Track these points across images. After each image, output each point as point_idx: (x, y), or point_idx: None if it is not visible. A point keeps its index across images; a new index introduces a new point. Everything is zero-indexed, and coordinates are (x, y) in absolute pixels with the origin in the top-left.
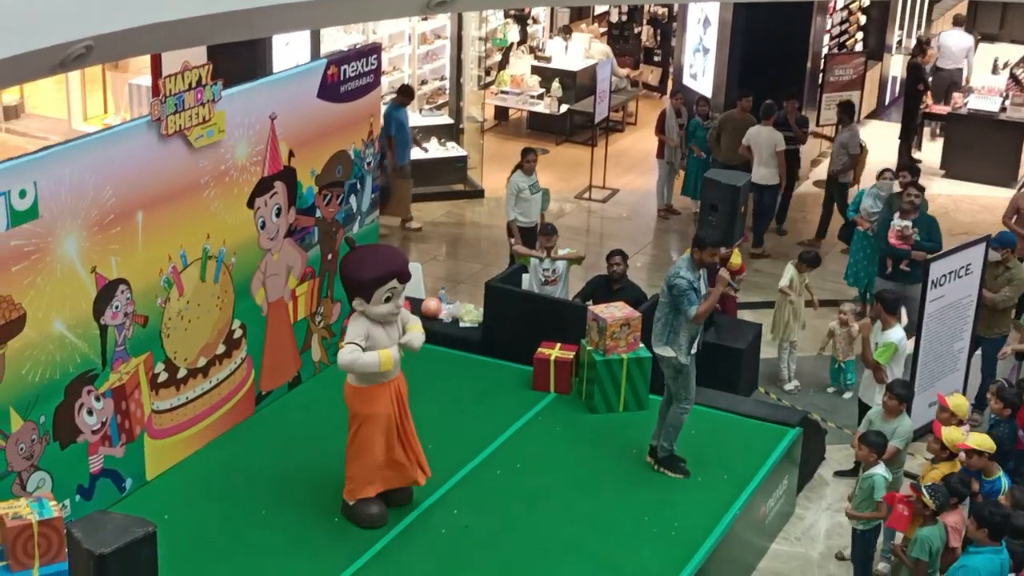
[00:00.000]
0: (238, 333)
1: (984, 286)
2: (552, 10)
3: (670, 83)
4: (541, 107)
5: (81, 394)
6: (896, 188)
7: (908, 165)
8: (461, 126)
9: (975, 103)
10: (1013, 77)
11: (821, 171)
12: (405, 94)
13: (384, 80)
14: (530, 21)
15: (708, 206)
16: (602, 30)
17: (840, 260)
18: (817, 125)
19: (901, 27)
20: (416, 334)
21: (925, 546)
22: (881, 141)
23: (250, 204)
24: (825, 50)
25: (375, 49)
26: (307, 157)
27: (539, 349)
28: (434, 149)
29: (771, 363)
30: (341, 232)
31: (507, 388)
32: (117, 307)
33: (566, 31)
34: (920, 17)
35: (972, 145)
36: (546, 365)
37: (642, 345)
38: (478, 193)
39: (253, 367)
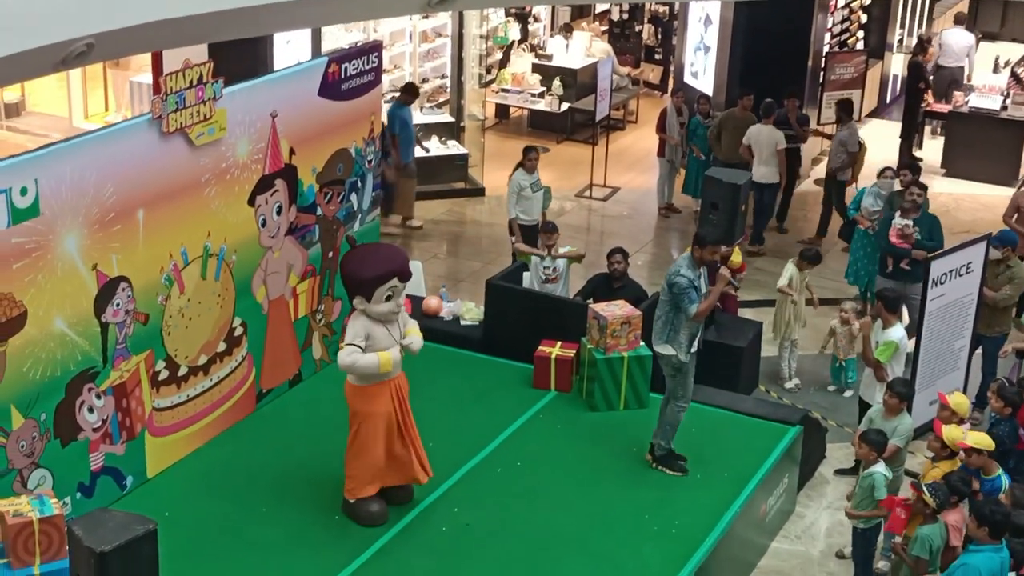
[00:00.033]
0: (239, 331)
1: (985, 284)
2: (553, 8)
3: (671, 81)
4: (542, 105)
5: (82, 392)
6: (897, 186)
7: (909, 163)
8: (462, 124)
9: (976, 101)
10: (1014, 75)
11: (822, 169)
12: (409, 92)
13: (385, 78)
14: (531, 19)
15: (709, 204)
16: (603, 28)
17: (840, 259)
18: (818, 123)
19: (902, 26)
20: (416, 339)
21: (926, 544)
22: (882, 140)
23: (251, 202)
24: (826, 48)
25: (376, 47)
26: (308, 155)
27: (540, 347)
28: (435, 147)
29: (771, 361)
30: (342, 230)
31: (508, 386)
32: (118, 305)
33: (567, 29)
34: (921, 16)
35: (973, 143)
36: (547, 363)
37: (643, 343)
38: (479, 191)
39: (254, 365)
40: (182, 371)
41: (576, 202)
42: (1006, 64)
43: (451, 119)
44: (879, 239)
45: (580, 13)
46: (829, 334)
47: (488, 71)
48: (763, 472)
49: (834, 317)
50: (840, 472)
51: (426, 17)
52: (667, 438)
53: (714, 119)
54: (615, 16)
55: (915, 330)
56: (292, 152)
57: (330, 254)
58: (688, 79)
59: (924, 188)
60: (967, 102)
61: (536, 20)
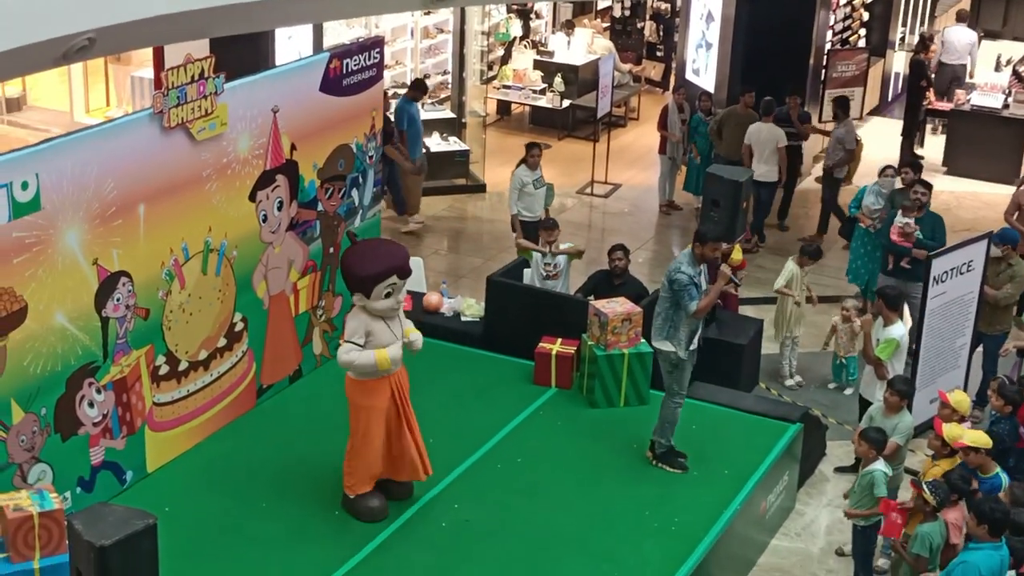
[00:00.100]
0: (239, 326)
1: (986, 283)
2: (555, 5)
3: (672, 78)
4: (543, 102)
5: (82, 386)
6: (898, 184)
7: (910, 161)
8: (463, 120)
9: (978, 100)
10: (1016, 74)
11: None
12: (418, 88)
13: (386, 74)
14: (533, 16)
15: (710, 201)
16: (605, 25)
17: (841, 257)
18: (819, 121)
19: (904, 23)
20: (417, 337)
21: (926, 542)
22: (883, 137)
23: (252, 197)
24: (828, 46)
25: (378, 43)
26: (309, 150)
27: (540, 344)
28: (436, 143)
29: (772, 359)
30: (343, 226)
31: (508, 382)
32: (118, 299)
33: (569, 26)
34: (923, 13)
35: (974, 142)
36: (547, 360)
37: (643, 340)
38: (480, 188)
39: (254, 360)
40: (182, 366)
41: (577, 199)
42: (1008, 62)
43: (452, 115)
44: (881, 237)
45: (582, 10)
46: (831, 331)
47: (490, 67)
48: (763, 469)
49: (835, 314)
50: (840, 470)
51: (428, 13)
52: (666, 435)
53: (716, 116)
54: (617, 13)
55: (916, 328)
56: (293, 148)
57: (331, 250)
58: (690, 76)
59: (929, 187)
60: (969, 100)
61: (538, 17)
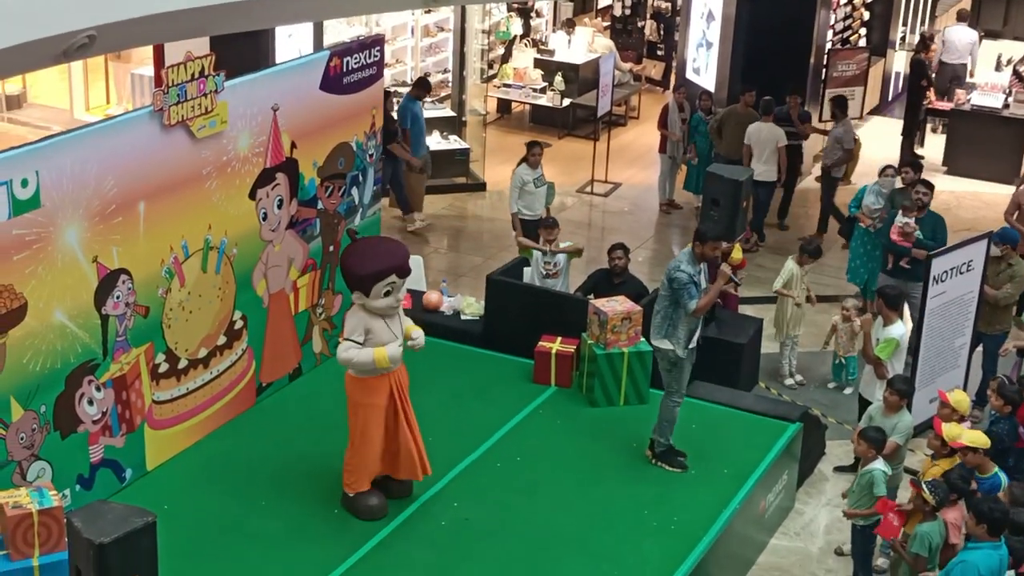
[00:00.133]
0: (239, 324)
1: (986, 282)
2: (555, 4)
3: (673, 77)
4: (544, 100)
5: (82, 384)
6: (898, 184)
7: (910, 161)
8: (463, 119)
9: (978, 99)
10: (1016, 74)
11: None
12: (421, 87)
13: (387, 73)
14: (533, 14)
15: (710, 201)
16: (605, 24)
17: (840, 256)
18: (820, 120)
19: (904, 23)
20: (418, 336)
21: (925, 542)
22: (883, 137)
23: (252, 195)
24: (828, 45)
25: (378, 41)
26: (309, 149)
27: (540, 342)
28: (436, 142)
29: (772, 358)
30: (343, 224)
31: (508, 381)
32: (118, 297)
33: (569, 25)
34: (923, 13)
35: (975, 141)
36: (547, 358)
37: (643, 339)
38: (480, 186)
39: (254, 358)
40: (182, 364)
41: (577, 198)
42: (1008, 62)
43: (453, 114)
44: (881, 237)
45: (582, 8)
46: (831, 331)
47: (490, 66)
48: (763, 469)
49: (835, 314)
50: (839, 469)
51: (428, 12)
52: (665, 434)
53: (716, 115)
54: (617, 12)
55: (915, 328)
56: (293, 146)
57: (331, 248)
58: (690, 75)
59: (931, 187)
60: (969, 100)
61: (538, 15)
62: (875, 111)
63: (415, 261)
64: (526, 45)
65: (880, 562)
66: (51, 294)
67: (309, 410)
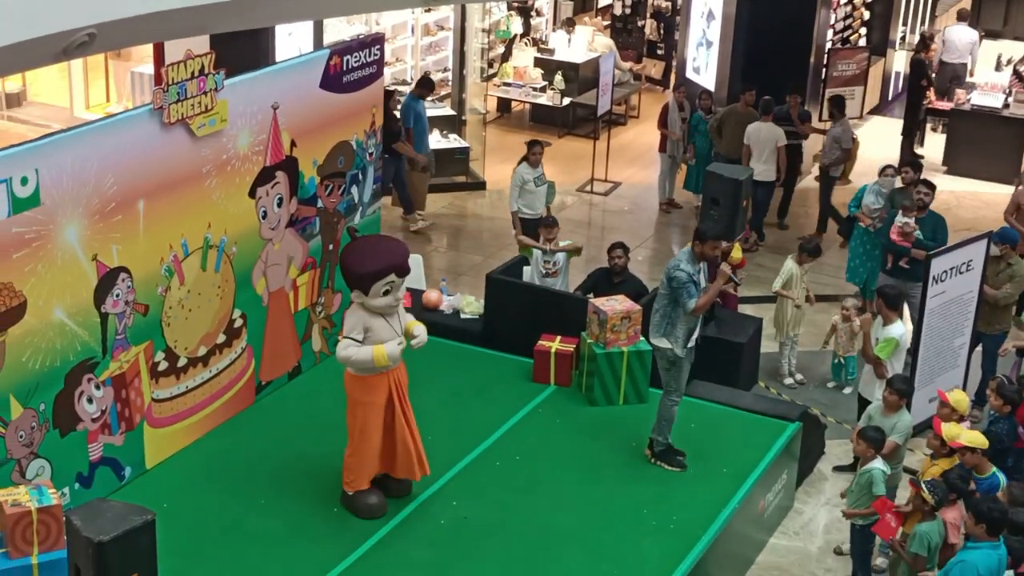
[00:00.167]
0: (239, 322)
1: (985, 282)
2: (555, 2)
3: (673, 77)
4: (544, 99)
5: (81, 382)
6: (898, 184)
7: (910, 161)
8: (463, 118)
9: (978, 99)
10: (1016, 73)
11: None
12: (424, 86)
13: (387, 71)
14: (533, 13)
15: (710, 200)
16: (605, 23)
17: (839, 255)
18: (820, 120)
19: (905, 23)
20: (420, 333)
21: (924, 541)
22: (883, 137)
23: (252, 194)
24: (828, 45)
25: (378, 40)
26: (309, 147)
27: (539, 341)
28: (436, 141)
29: (771, 357)
30: (343, 222)
31: (507, 380)
32: (118, 295)
33: (569, 24)
34: (924, 12)
35: (975, 141)
36: (546, 357)
37: (642, 338)
38: (480, 185)
39: (253, 356)
40: (181, 362)
41: (577, 197)
42: (1008, 62)
43: (453, 112)
44: (881, 237)
45: (582, 7)
46: (830, 330)
47: (490, 65)
48: (762, 468)
49: (835, 314)
50: (839, 468)
51: (428, 10)
52: (664, 433)
53: (716, 114)
54: (617, 11)
55: (915, 328)
56: (293, 144)
57: (330, 246)
58: (690, 74)
59: (932, 187)
60: (969, 100)
61: (538, 14)
62: (875, 111)
63: (415, 260)
64: (526, 44)
65: (879, 562)
66: (51, 292)
67: (308, 408)
